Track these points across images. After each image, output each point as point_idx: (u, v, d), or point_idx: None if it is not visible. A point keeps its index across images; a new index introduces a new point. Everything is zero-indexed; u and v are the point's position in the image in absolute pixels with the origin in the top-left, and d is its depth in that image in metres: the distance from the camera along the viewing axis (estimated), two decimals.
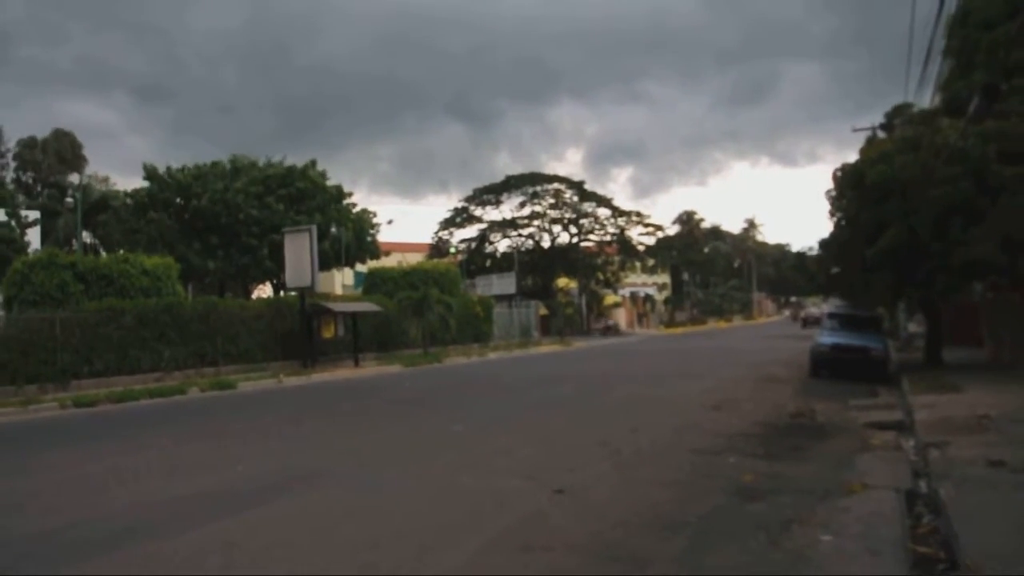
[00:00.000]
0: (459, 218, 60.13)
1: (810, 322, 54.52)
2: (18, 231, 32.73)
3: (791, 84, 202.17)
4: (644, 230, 62.94)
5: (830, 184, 21.36)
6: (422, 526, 6.68)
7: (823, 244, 22.72)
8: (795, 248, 61.79)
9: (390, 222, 66.68)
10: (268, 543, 6.37)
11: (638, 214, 62.26)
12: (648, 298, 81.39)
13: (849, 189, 20.03)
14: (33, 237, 36.30)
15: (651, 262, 68.34)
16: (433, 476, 8.72)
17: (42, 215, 39.36)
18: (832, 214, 21.57)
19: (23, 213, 35.12)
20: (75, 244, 35.04)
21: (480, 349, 36.16)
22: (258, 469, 9.44)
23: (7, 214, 32.60)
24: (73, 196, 37.21)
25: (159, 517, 7.28)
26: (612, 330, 58.43)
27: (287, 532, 6.65)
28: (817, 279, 24.87)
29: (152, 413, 16.22)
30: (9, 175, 51.32)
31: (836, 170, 21.32)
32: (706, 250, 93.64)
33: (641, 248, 63.82)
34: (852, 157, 22.55)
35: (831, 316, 23.17)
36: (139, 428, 14.02)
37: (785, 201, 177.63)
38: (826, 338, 20.48)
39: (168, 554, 6.17)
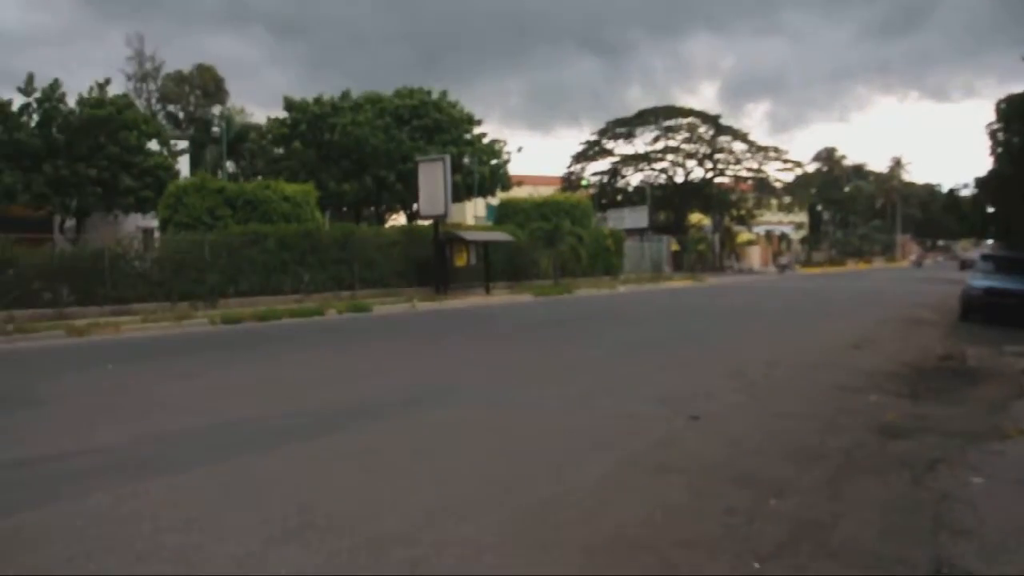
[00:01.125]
0: (591, 151, 59.30)
1: (968, 265, 51.28)
2: (170, 159, 34.25)
3: (949, 10, 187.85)
4: (782, 166, 60.41)
5: (991, 118, 19.72)
6: (557, 443, 6.56)
7: (980, 182, 21.13)
8: (945, 188, 58.01)
9: (519, 149, 66.42)
10: (408, 451, 6.38)
11: (776, 150, 59.75)
12: (784, 237, 78.50)
13: (1016, 121, 18.38)
14: (183, 166, 37.95)
15: (788, 200, 65.57)
16: (568, 397, 8.55)
17: (190, 145, 41.10)
18: (993, 149, 19.94)
19: (173, 143, 36.67)
20: (220, 173, 36.44)
21: (610, 282, 35.74)
22: (395, 384, 9.54)
23: (160, 143, 34.11)
24: (218, 126, 38.66)
25: (304, 422, 7.46)
26: (746, 268, 56.83)
27: (425, 442, 6.66)
28: (971, 219, 23.15)
29: (293, 331, 16.74)
30: (159, 107, 53.76)
31: (1000, 101, 19.66)
32: (847, 189, 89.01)
33: (778, 185, 61.33)
34: (1018, 89, 20.70)
35: (985, 258, 21.51)
36: (282, 344, 14.50)
37: (935, 139, 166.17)
38: (979, 281, 18.99)
39: (314, 453, 6.32)
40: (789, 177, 62.87)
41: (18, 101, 29.68)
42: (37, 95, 28.60)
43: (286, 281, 23.61)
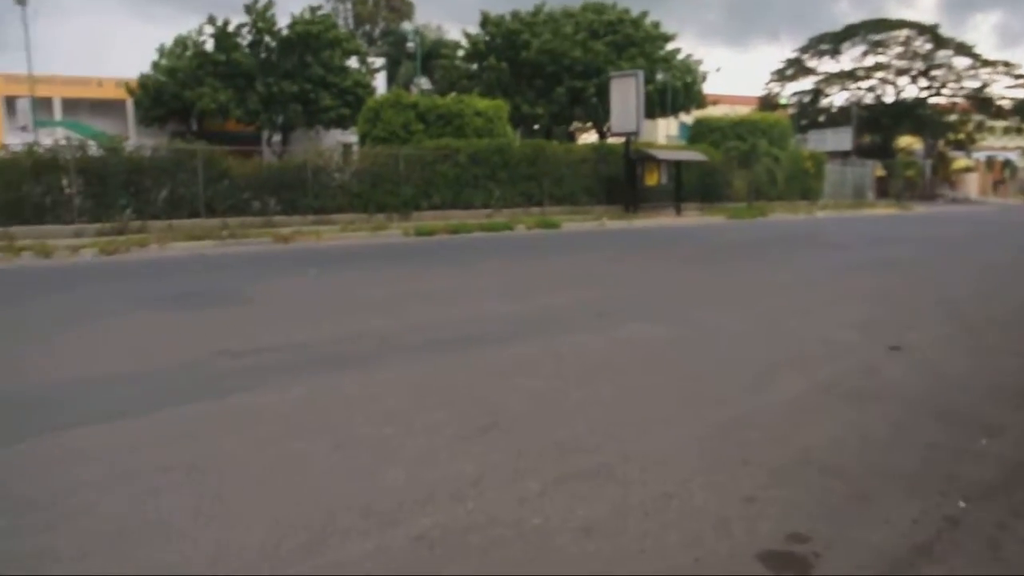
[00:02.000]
0: (791, 70, 55.69)
1: None
2: (368, 76, 35.21)
3: None
4: (1012, 83, 54.09)
5: None
6: (745, 364, 6.07)
7: None
8: None
9: (718, 69, 63.47)
10: (595, 363, 6.12)
11: (1006, 64, 53.46)
12: (1008, 164, 71.19)
13: None
14: (379, 83, 38.96)
15: (1018, 122, 58.80)
16: (757, 319, 7.96)
17: (385, 62, 42.07)
18: None
19: (370, 60, 37.64)
20: (413, 88, 37.09)
21: (807, 207, 33.74)
22: (582, 298, 9.31)
23: (359, 61, 35.10)
24: (412, 41, 39.22)
25: (494, 330, 7.39)
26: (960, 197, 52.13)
27: (611, 356, 6.41)
28: None
29: (483, 245, 16.83)
30: (353, 27, 55.22)
31: None
32: None
33: (1005, 105, 55.07)
34: None
35: None
36: (473, 255, 14.63)
37: None
38: None
39: (502, 360, 6.23)
40: (1021, 94, 56.37)
41: (235, 20, 31.30)
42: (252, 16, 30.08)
43: (476, 196, 23.83)
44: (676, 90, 37.34)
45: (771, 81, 56.32)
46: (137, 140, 25.51)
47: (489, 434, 4.46)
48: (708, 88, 41.80)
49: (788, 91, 56.05)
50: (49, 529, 3.35)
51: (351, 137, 30.46)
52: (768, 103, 54.38)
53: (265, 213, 20.46)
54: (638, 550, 3.13)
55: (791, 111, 53.29)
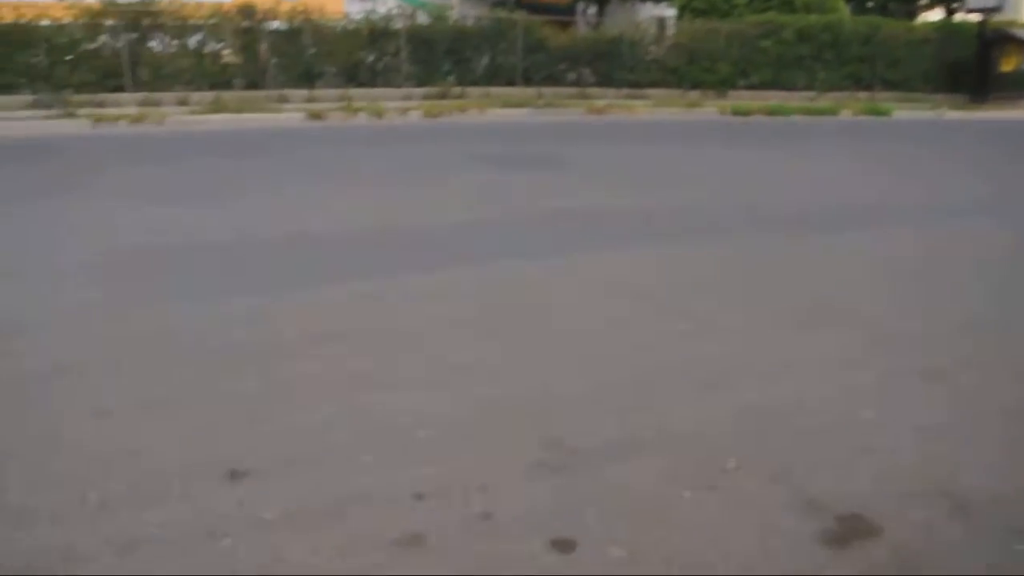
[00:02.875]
0: None
1: None
2: None
3: None
4: None
5: None
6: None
7: None
8: None
9: None
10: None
11: None
12: None
13: None
14: None
15: None
16: None
17: None
18: None
19: None
20: None
21: None
22: (915, 192, 8.28)
23: None
24: None
25: (821, 215, 6.83)
26: None
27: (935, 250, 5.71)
28: None
29: (803, 129, 15.79)
30: None
31: None
32: None
33: None
34: None
35: None
36: (795, 138, 13.73)
37: None
38: None
39: (826, 247, 5.76)
40: None
41: None
42: None
43: (799, 77, 22.13)
44: None
45: None
46: (461, 10, 26.38)
47: (816, 324, 4.28)
48: None
49: None
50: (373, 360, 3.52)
51: (666, 11, 29.32)
52: None
53: (579, 84, 20.50)
54: None
55: None
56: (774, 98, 20.81)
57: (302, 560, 2.26)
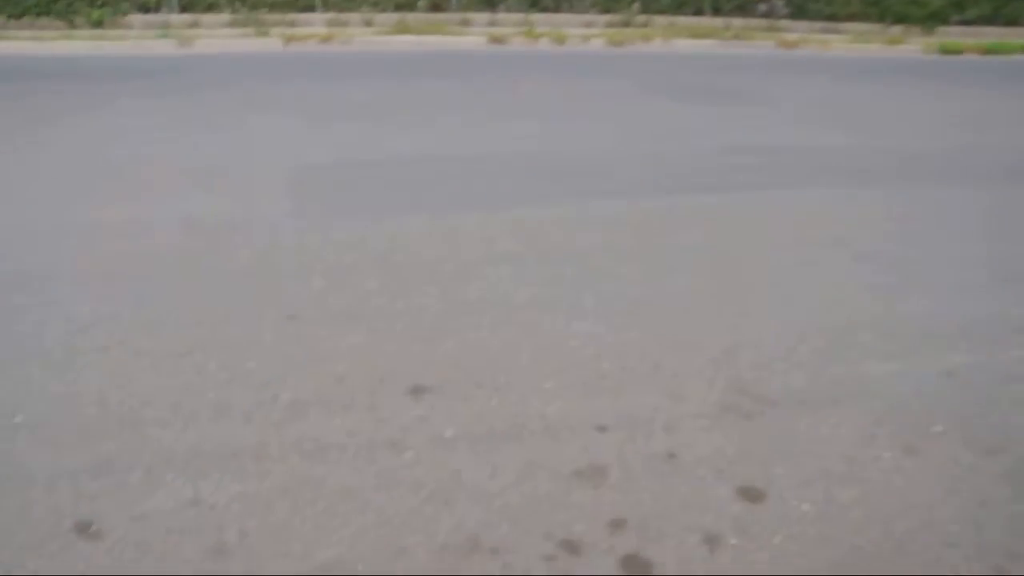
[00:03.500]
0: None
1: None
2: None
3: None
4: None
5: None
6: None
7: None
8: None
9: None
10: None
11: None
12: None
13: None
14: None
15: None
16: None
17: None
18: None
19: None
20: None
21: None
22: None
23: None
24: None
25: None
26: None
27: None
28: None
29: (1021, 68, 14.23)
30: None
31: None
32: None
33: None
34: None
35: None
36: (1008, 80, 12.40)
37: None
38: None
39: None
40: None
41: None
42: None
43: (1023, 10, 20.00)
44: None
45: None
46: None
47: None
48: None
49: None
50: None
51: None
52: None
53: (770, 16, 19.36)
54: None
55: None
56: (993, 35, 18.93)
57: (480, 482, 2.24)
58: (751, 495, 2.21)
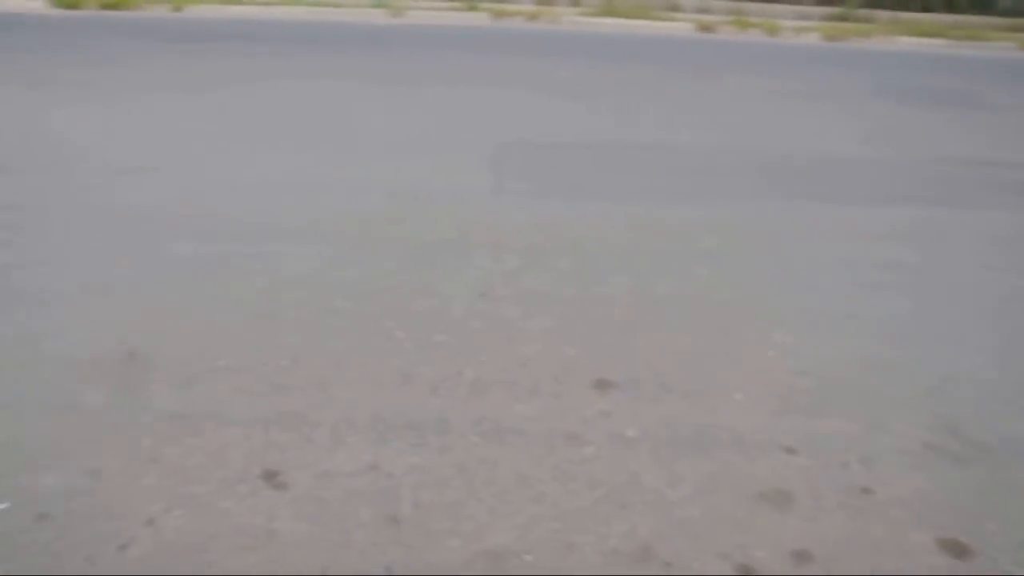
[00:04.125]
0: None
1: None
2: None
3: None
4: None
5: None
6: None
7: None
8: None
9: None
10: None
11: None
12: None
13: None
14: None
15: None
16: None
17: None
18: None
19: None
20: None
21: None
22: None
23: None
24: None
25: None
26: None
27: None
28: None
29: None
30: None
31: None
32: None
33: None
34: None
35: None
36: None
37: None
38: None
39: None
40: None
41: None
42: None
43: None
44: None
45: None
46: None
47: None
48: None
49: None
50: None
51: None
52: None
53: (1016, 14, 17.69)
54: None
55: None
56: None
57: (658, 489, 2.14)
58: (955, 549, 1.99)
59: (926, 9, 17.75)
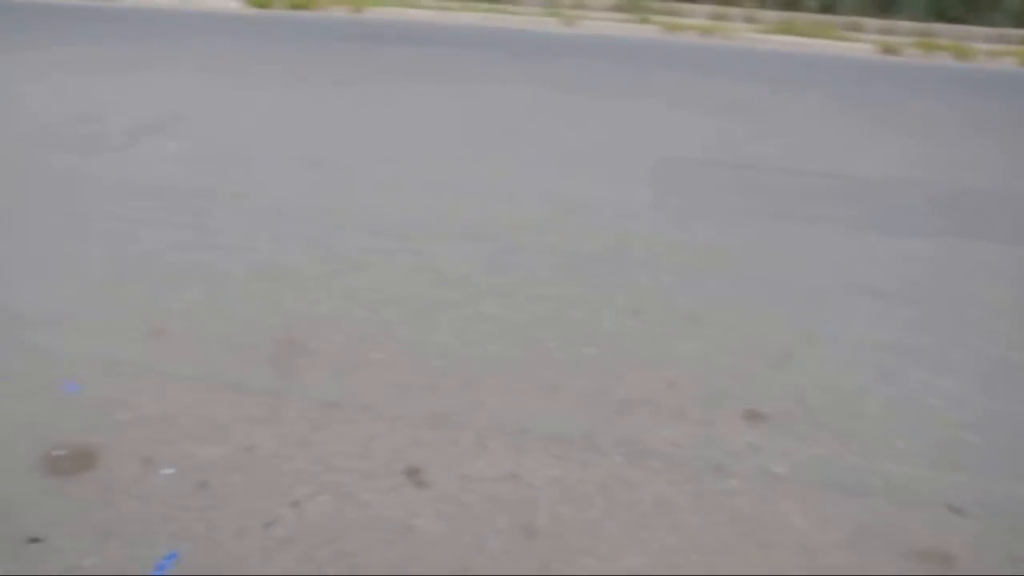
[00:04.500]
0: None
1: None
2: None
3: None
4: None
5: None
6: None
7: None
8: None
9: None
10: None
11: None
12: None
13: None
14: None
15: None
16: None
17: None
18: None
19: None
20: None
21: None
22: None
23: None
24: None
25: None
26: None
27: None
28: None
29: None
30: None
31: None
32: None
33: None
34: None
35: None
36: None
37: None
38: None
39: None
40: None
41: None
42: None
43: None
44: None
45: None
46: None
47: None
48: None
49: None
50: None
51: None
52: None
53: None
54: None
55: None
56: None
57: (806, 533, 2.05)
58: None
59: None
